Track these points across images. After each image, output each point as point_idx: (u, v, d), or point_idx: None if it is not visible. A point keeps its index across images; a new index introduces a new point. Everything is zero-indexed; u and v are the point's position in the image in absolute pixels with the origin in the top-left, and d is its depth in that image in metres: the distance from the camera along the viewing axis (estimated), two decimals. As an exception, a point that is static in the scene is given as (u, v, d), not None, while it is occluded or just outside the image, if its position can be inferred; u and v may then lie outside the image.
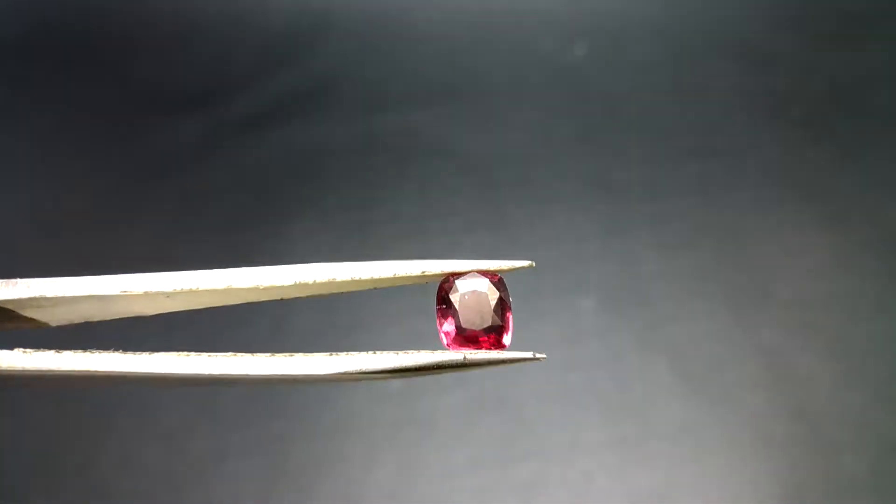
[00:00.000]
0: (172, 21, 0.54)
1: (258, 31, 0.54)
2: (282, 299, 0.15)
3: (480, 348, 0.14)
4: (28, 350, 0.13)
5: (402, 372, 0.13)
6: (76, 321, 0.15)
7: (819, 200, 0.46)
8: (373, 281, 0.14)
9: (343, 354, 0.14)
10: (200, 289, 0.14)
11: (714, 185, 0.47)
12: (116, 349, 0.13)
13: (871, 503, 0.36)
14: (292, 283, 0.14)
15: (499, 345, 0.14)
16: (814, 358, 0.39)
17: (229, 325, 0.39)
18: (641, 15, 0.55)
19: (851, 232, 0.44)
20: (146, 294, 0.14)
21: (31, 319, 0.14)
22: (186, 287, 0.14)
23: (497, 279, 0.14)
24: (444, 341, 0.14)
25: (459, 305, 0.14)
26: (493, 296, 0.14)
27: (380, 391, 0.38)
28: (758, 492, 0.36)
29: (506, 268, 0.15)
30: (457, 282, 0.14)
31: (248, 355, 0.14)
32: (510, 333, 0.14)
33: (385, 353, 0.14)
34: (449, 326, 0.14)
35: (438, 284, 0.15)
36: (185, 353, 0.13)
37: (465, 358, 0.13)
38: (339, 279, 0.14)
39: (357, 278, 0.14)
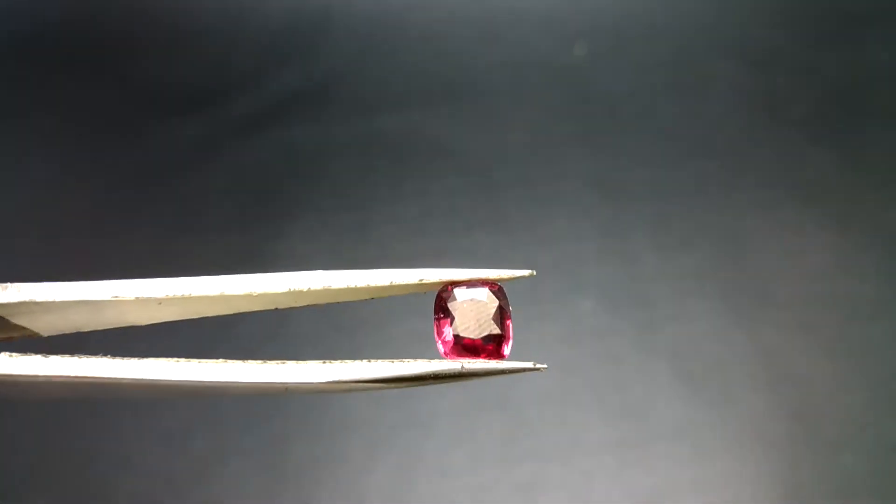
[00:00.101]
0: (172, 21, 0.54)
1: (258, 31, 0.54)
2: (276, 308, 0.14)
3: (479, 358, 0.14)
4: (14, 354, 0.13)
5: (398, 381, 0.13)
6: (68, 331, 0.14)
7: (819, 201, 0.46)
8: (369, 289, 0.14)
9: (336, 362, 0.13)
10: (193, 295, 0.14)
11: (714, 186, 0.47)
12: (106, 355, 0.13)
13: (871, 503, 0.36)
14: (286, 290, 0.14)
15: (498, 354, 0.14)
16: (814, 358, 0.39)
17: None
18: (641, 15, 0.55)
19: (851, 232, 0.44)
20: (137, 300, 0.14)
21: (23, 328, 0.14)
22: (178, 293, 0.14)
23: (496, 287, 0.14)
24: (442, 350, 0.14)
25: (458, 314, 0.14)
26: (493, 304, 0.14)
27: (379, 391, 0.38)
28: (758, 492, 0.36)
29: (506, 276, 0.14)
30: (455, 290, 0.14)
31: (238, 362, 0.13)
32: (510, 343, 0.14)
33: (380, 361, 0.13)
34: (447, 335, 0.14)
35: (436, 293, 0.14)
36: (175, 358, 0.13)
37: (462, 367, 0.13)
38: (334, 287, 0.14)
39: (353, 286, 0.14)
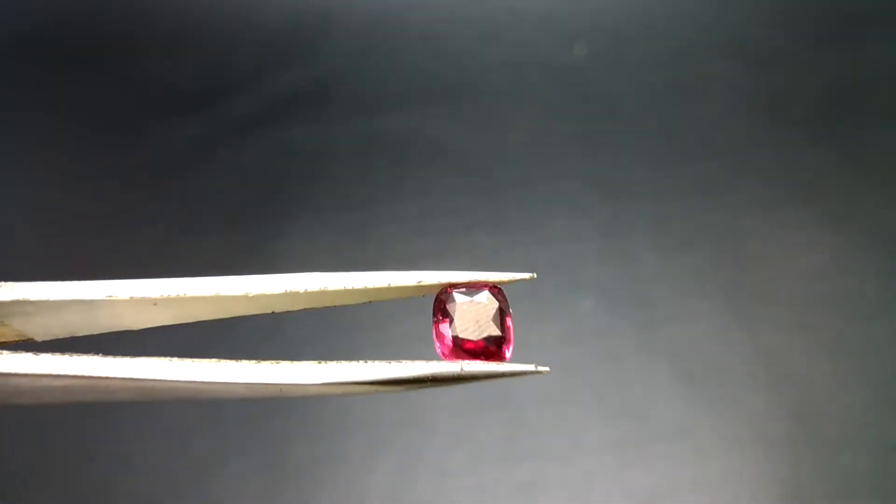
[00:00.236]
0: (172, 21, 0.54)
1: (258, 31, 0.54)
2: (273, 312, 0.14)
3: (479, 360, 0.13)
4: (3, 351, 0.12)
5: (395, 384, 0.13)
6: (63, 335, 0.14)
7: (819, 200, 0.46)
8: (366, 291, 0.14)
9: (332, 363, 0.13)
10: (188, 296, 0.13)
11: (714, 185, 0.47)
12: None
13: (871, 503, 0.36)
14: (282, 291, 0.13)
15: (499, 357, 0.13)
16: (814, 358, 0.39)
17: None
18: (641, 15, 0.55)
19: (851, 232, 0.44)
20: (132, 300, 0.13)
21: (17, 331, 0.14)
22: (173, 294, 0.13)
23: (496, 289, 0.14)
24: (441, 353, 0.14)
25: (457, 316, 0.13)
26: (493, 306, 0.14)
27: (377, 394, 0.38)
28: (758, 492, 0.36)
29: (506, 279, 0.14)
30: (454, 292, 0.14)
31: (232, 362, 0.13)
32: (511, 345, 0.14)
33: (377, 362, 0.13)
34: (446, 338, 0.13)
35: (436, 295, 0.14)
36: (168, 358, 0.13)
37: (462, 370, 0.13)
38: (331, 289, 0.14)
39: (350, 288, 0.14)
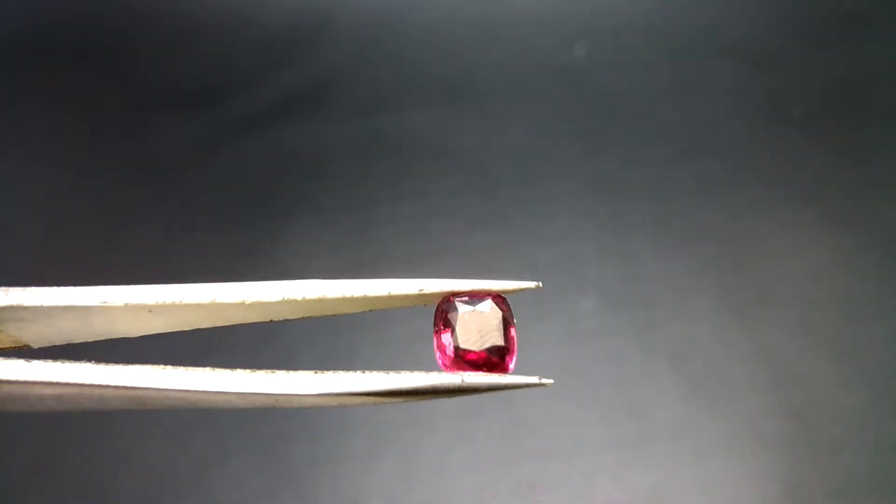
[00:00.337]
0: (172, 21, 0.54)
1: (258, 31, 0.54)
2: (271, 321, 0.14)
3: (481, 371, 0.13)
4: None
5: (394, 395, 0.12)
6: (58, 341, 0.14)
7: (819, 200, 0.46)
8: (366, 300, 0.13)
9: (329, 373, 0.13)
10: (183, 302, 0.13)
11: (714, 185, 0.47)
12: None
13: (871, 503, 0.36)
14: (280, 299, 0.13)
15: (502, 368, 0.13)
16: (814, 358, 0.39)
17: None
18: (641, 15, 0.55)
19: (851, 232, 0.44)
20: (126, 306, 0.13)
21: (13, 338, 0.13)
22: (168, 300, 0.13)
23: (500, 298, 0.13)
24: (442, 364, 0.13)
25: (459, 326, 0.13)
26: (496, 315, 0.13)
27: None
28: (758, 492, 0.36)
29: (510, 288, 0.14)
30: (457, 301, 0.13)
31: (226, 370, 0.12)
32: (514, 356, 0.13)
33: (375, 373, 0.12)
34: (447, 348, 0.13)
35: (437, 304, 0.13)
36: (161, 366, 0.12)
37: (462, 381, 0.12)
38: (329, 296, 0.13)
39: (349, 296, 0.13)
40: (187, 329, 0.14)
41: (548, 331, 0.40)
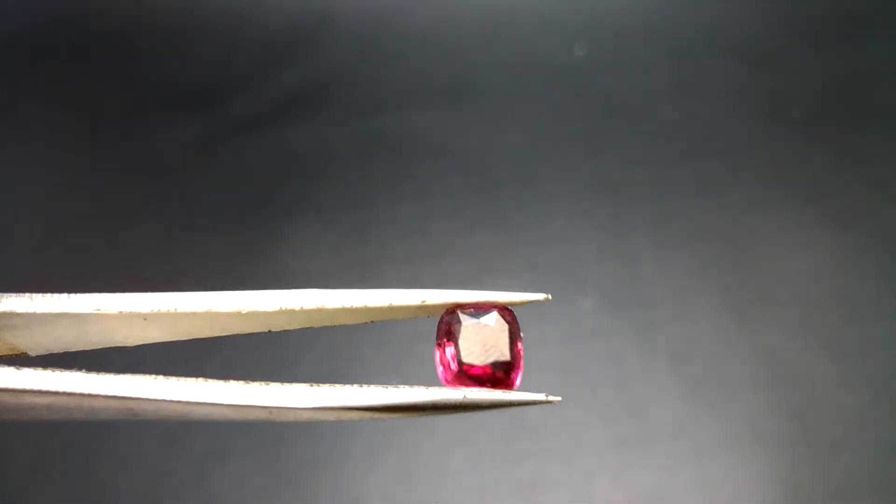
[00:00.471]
0: (172, 21, 0.54)
1: (258, 31, 0.54)
2: (269, 331, 0.13)
3: (485, 387, 0.12)
4: None
5: (392, 411, 0.12)
6: (55, 350, 0.13)
7: (819, 200, 0.46)
8: (366, 310, 0.13)
9: (325, 386, 0.12)
10: (179, 311, 0.13)
11: (714, 185, 0.47)
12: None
13: (871, 503, 0.36)
14: (277, 308, 0.13)
15: (507, 384, 0.12)
16: (814, 358, 0.39)
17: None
18: (641, 15, 0.55)
19: (851, 232, 0.44)
20: (121, 314, 0.13)
21: (10, 346, 0.13)
22: (164, 308, 0.13)
23: (506, 310, 0.13)
24: (444, 378, 0.13)
25: (462, 339, 0.12)
26: (502, 328, 0.12)
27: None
28: (758, 492, 0.36)
29: (518, 300, 0.13)
30: (461, 313, 0.13)
31: (220, 381, 0.12)
32: (520, 372, 0.13)
33: (373, 387, 0.12)
34: (450, 363, 0.12)
35: (440, 316, 0.13)
36: (153, 375, 0.12)
37: (464, 397, 0.12)
38: (328, 306, 0.13)
39: (348, 306, 0.13)
40: (185, 338, 0.13)
41: (548, 331, 0.40)
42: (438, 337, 0.13)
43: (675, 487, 0.36)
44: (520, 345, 0.13)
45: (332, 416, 0.12)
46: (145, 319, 0.13)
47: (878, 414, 0.38)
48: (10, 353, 0.13)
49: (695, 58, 0.53)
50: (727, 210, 0.45)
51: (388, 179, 0.47)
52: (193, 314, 0.13)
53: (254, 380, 0.12)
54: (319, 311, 0.13)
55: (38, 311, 0.13)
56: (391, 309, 0.13)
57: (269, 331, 0.13)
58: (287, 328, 0.13)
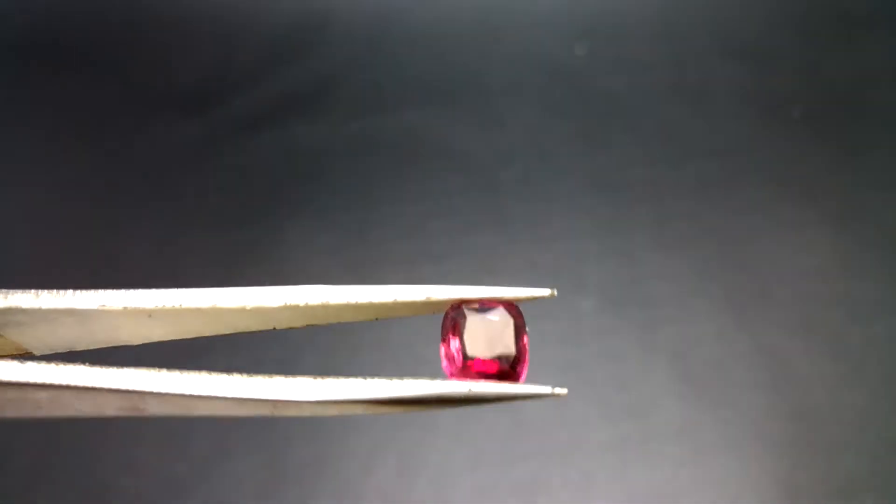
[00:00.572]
0: (172, 21, 0.54)
1: (258, 31, 0.54)
2: (274, 329, 0.13)
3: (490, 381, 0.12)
4: None
5: (397, 404, 0.12)
6: (60, 349, 0.13)
7: (819, 200, 0.46)
8: (371, 307, 0.13)
9: (329, 379, 0.12)
10: (183, 307, 0.13)
11: (714, 185, 0.47)
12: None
13: (871, 503, 0.36)
14: (281, 304, 0.13)
15: (512, 378, 0.12)
16: (814, 358, 0.39)
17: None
18: (641, 15, 0.55)
19: (851, 232, 0.44)
20: (125, 310, 0.13)
21: (15, 345, 0.13)
22: (168, 304, 0.13)
23: (512, 306, 0.13)
24: (449, 373, 0.13)
25: (467, 333, 0.12)
26: (507, 323, 0.12)
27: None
28: (758, 492, 0.36)
29: (523, 296, 0.13)
30: (465, 308, 0.13)
31: (224, 374, 0.12)
32: (526, 366, 0.13)
33: (377, 379, 0.12)
34: (455, 357, 0.12)
35: (445, 311, 0.13)
36: (157, 369, 0.12)
37: (469, 390, 0.12)
38: (332, 302, 0.13)
39: (353, 302, 0.13)
40: (190, 336, 0.13)
41: (548, 331, 0.40)
42: (443, 332, 0.13)
43: (675, 487, 0.36)
44: (525, 339, 0.13)
45: (335, 410, 0.12)
46: (150, 316, 0.13)
47: (878, 414, 0.38)
48: (16, 352, 0.13)
49: (695, 58, 0.53)
50: (727, 210, 0.45)
51: (388, 179, 0.47)
52: (198, 310, 0.13)
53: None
54: (324, 307, 0.13)
55: (44, 306, 0.13)
56: (396, 305, 0.13)
57: (274, 328, 0.13)
58: (291, 326, 0.13)
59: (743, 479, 0.36)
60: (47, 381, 0.12)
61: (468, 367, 0.12)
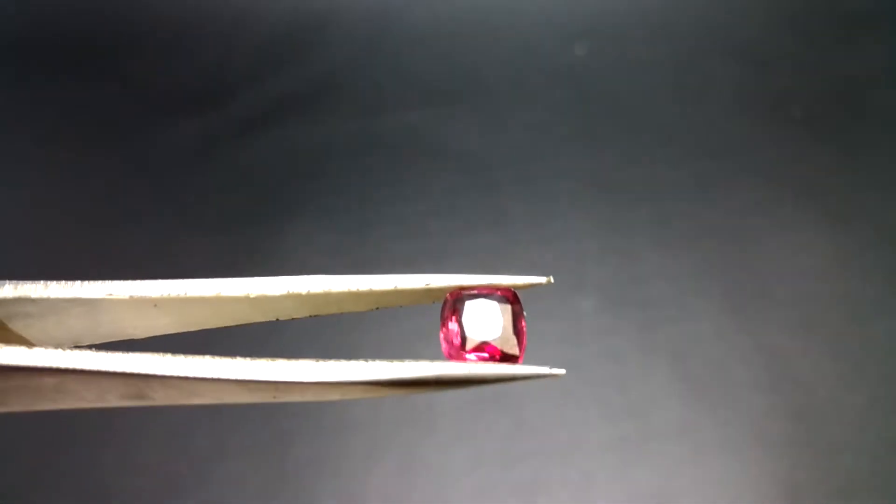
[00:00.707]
0: (172, 21, 0.54)
1: (258, 31, 0.54)
2: (277, 319, 0.13)
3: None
4: None
5: (397, 385, 0.12)
6: (66, 342, 0.13)
7: (819, 200, 0.46)
8: (372, 294, 0.13)
9: (331, 361, 0.12)
10: (188, 296, 0.13)
11: (714, 185, 0.47)
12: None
13: (871, 503, 0.36)
14: (284, 293, 0.13)
15: (511, 360, 0.13)
16: (814, 358, 0.39)
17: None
18: (641, 15, 0.55)
19: (851, 232, 0.44)
20: (132, 299, 0.13)
21: (21, 338, 0.13)
22: (174, 294, 0.13)
23: (510, 293, 0.13)
24: (448, 355, 0.13)
25: (467, 316, 0.12)
26: (505, 308, 0.13)
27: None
28: (758, 492, 0.36)
29: (520, 283, 0.13)
30: (465, 294, 0.13)
31: (227, 358, 0.12)
32: (524, 347, 0.13)
33: (378, 361, 0.12)
34: (454, 339, 0.13)
35: (445, 298, 0.13)
36: (161, 353, 0.12)
37: (469, 371, 0.12)
38: (334, 290, 0.13)
39: (355, 290, 0.13)
40: (195, 328, 0.13)
41: (548, 330, 0.40)
42: (443, 316, 0.13)
43: (675, 487, 0.36)
44: (523, 322, 0.13)
45: (336, 394, 0.12)
46: (155, 306, 0.13)
47: (878, 414, 0.38)
48: (21, 345, 0.13)
49: (695, 58, 0.53)
50: (727, 210, 0.45)
51: (388, 179, 0.47)
52: (203, 299, 0.13)
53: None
54: (326, 295, 0.13)
55: (52, 296, 0.13)
56: (396, 293, 0.13)
57: (277, 318, 0.13)
58: (294, 316, 0.13)
59: (743, 479, 0.36)
60: (52, 364, 0.12)
61: (467, 350, 0.12)
